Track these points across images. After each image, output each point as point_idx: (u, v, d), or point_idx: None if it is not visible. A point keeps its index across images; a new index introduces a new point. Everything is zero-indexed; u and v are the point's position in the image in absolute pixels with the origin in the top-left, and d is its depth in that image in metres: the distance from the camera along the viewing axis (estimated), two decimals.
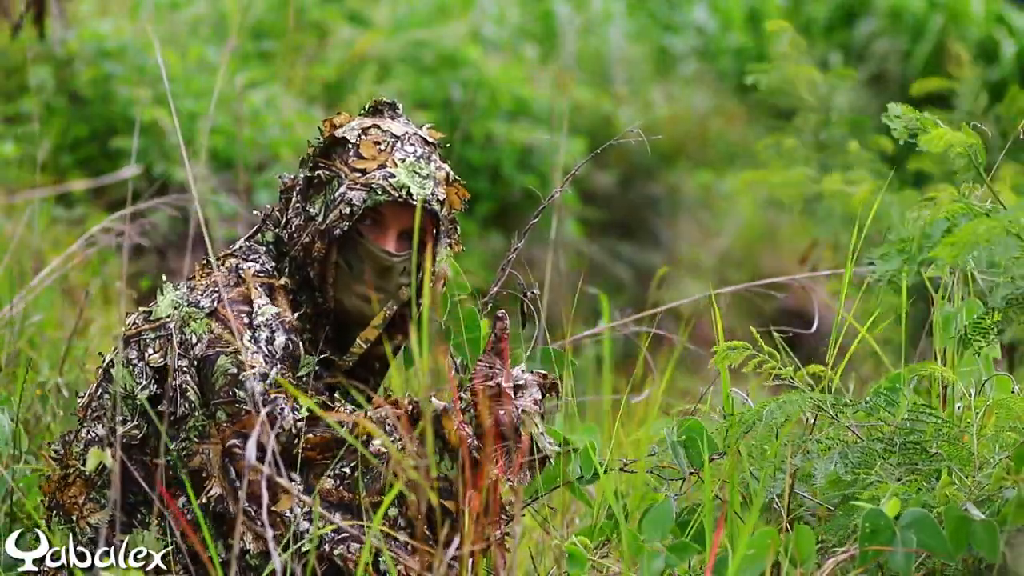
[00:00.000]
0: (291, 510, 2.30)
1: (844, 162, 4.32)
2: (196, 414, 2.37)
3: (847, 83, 4.49)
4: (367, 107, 2.56)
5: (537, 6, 9.22)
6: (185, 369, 2.38)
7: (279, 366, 2.37)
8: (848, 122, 4.46)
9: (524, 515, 2.67)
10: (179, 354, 2.39)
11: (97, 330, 3.90)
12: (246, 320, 2.39)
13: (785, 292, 3.22)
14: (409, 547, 2.35)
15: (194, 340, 2.39)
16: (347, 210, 2.45)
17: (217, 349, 2.38)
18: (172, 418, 2.38)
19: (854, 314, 2.61)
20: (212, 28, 7.08)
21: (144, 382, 2.40)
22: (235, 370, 2.36)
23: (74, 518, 2.43)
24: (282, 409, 2.34)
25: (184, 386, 2.38)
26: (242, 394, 2.34)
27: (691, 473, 2.49)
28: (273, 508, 2.30)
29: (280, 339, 2.40)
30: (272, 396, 2.35)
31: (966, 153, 2.23)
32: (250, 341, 2.37)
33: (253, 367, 2.35)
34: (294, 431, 2.34)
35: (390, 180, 2.46)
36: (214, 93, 3.49)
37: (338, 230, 2.46)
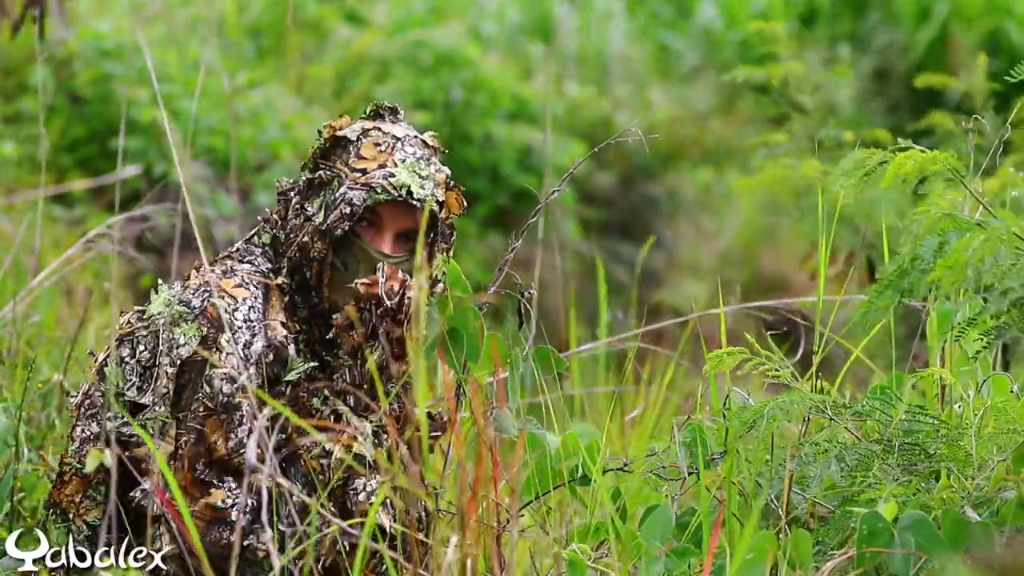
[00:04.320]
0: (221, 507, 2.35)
1: (840, 156, 4.31)
2: (159, 410, 2.39)
3: (848, 80, 4.48)
4: (368, 111, 2.56)
5: (537, 6, 9.22)
6: (166, 366, 2.39)
7: (250, 371, 2.38)
8: (847, 121, 4.46)
9: (523, 514, 2.67)
10: (163, 351, 2.40)
11: (96, 330, 3.90)
12: (227, 318, 2.40)
13: (790, 298, 3.22)
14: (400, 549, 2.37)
15: (181, 340, 2.40)
16: (347, 210, 2.45)
17: (204, 355, 2.39)
18: (130, 400, 2.41)
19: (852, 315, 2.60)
20: (211, 28, 7.07)
21: (134, 380, 2.41)
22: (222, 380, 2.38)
23: (71, 516, 2.43)
24: (242, 417, 2.37)
25: (159, 380, 2.39)
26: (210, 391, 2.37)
27: (691, 474, 2.49)
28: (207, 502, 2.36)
29: (258, 344, 2.41)
30: (237, 401, 2.37)
31: (944, 170, 2.23)
32: (227, 342, 2.38)
33: (222, 368, 2.37)
34: (245, 441, 2.36)
35: (390, 179, 2.46)
36: (201, 91, 3.48)
37: (339, 230, 2.46)
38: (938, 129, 4.10)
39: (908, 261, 2.16)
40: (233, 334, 2.39)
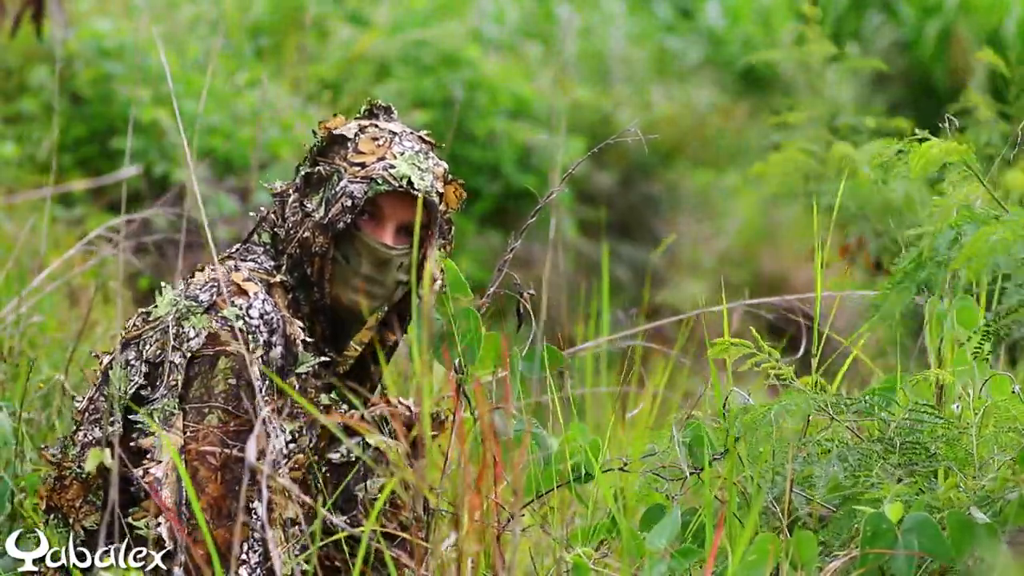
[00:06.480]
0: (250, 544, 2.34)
1: (860, 143, 4.28)
2: (166, 401, 2.37)
3: (851, 76, 4.47)
4: (362, 110, 2.57)
5: (538, 6, 9.22)
6: (177, 361, 2.38)
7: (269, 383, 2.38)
8: (853, 113, 4.44)
9: (524, 514, 2.67)
10: (173, 346, 2.39)
11: (100, 331, 3.90)
12: (243, 323, 2.39)
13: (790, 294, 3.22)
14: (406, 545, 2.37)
15: (192, 334, 2.39)
16: (348, 203, 2.46)
17: (217, 348, 2.38)
18: (135, 398, 2.40)
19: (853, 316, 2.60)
20: (211, 27, 7.07)
21: (138, 379, 2.40)
22: (235, 379, 2.37)
23: (71, 520, 2.43)
24: (276, 431, 2.36)
25: (169, 374, 2.38)
26: (245, 406, 2.36)
27: (692, 473, 2.48)
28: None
29: (277, 350, 2.40)
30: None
31: (961, 162, 2.22)
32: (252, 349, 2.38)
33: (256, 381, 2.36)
34: (284, 451, 2.36)
35: (390, 171, 2.47)
36: (207, 90, 3.48)
37: (340, 223, 2.46)
38: (968, 116, 4.06)
39: (925, 254, 2.15)
40: (250, 334, 2.39)
